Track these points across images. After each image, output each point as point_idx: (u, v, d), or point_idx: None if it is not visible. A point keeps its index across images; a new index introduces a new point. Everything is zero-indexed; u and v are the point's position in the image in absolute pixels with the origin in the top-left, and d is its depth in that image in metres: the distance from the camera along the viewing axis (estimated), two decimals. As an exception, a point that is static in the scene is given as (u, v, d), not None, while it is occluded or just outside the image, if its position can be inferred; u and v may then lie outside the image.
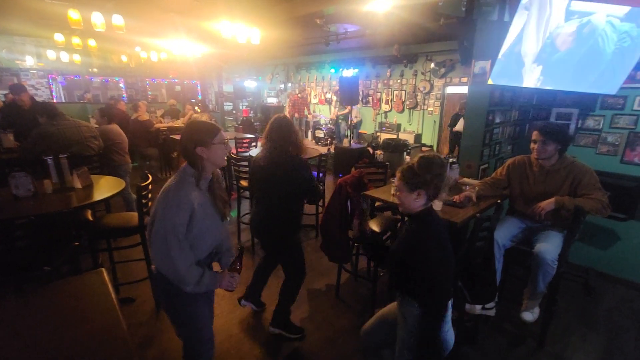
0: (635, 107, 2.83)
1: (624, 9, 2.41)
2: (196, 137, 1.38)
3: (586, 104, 3.05)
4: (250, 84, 12.65)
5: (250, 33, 5.08)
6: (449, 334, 1.43)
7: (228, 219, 1.61)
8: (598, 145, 3.06)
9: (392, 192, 2.43)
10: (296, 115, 9.64)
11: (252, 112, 12.19)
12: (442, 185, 1.38)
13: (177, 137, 5.36)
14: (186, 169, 1.40)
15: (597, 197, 2.14)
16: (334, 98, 9.45)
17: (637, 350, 2.27)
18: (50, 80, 9.75)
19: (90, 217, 2.71)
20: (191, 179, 1.38)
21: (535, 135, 2.29)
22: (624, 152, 2.94)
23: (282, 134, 2.03)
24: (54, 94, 9.84)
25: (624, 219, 2.78)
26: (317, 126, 9.31)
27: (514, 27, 2.48)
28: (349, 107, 8.58)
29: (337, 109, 9.12)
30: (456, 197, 2.33)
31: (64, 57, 7.78)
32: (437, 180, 1.36)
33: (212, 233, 1.49)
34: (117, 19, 4.19)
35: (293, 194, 2.10)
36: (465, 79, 7.23)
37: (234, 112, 12.15)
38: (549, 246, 2.16)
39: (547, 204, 2.19)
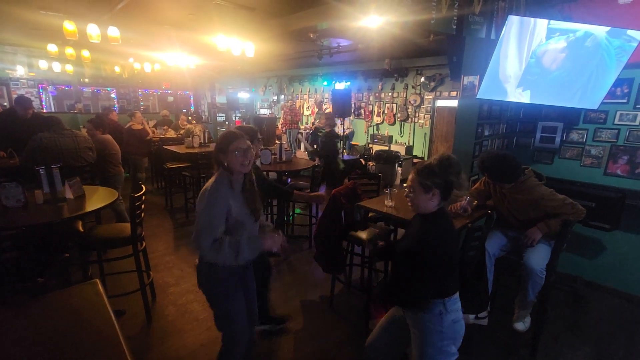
0: (617, 122, 2.95)
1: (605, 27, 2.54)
2: (218, 145, 1.58)
3: (570, 118, 3.18)
4: (243, 96, 12.71)
5: (244, 46, 5.16)
6: (462, 323, 1.46)
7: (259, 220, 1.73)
8: (582, 158, 3.17)
9: (387, 203, 2.48)
10: (285, 127, 9.64)
11: (244, 123, 12.21)
12: (456, 186, 1.40)
13: (170, 147, 5.36)
14: (222, 172, 1.58)
15: (569, 211, 2.19)
16: (316, 109, 9.39)
17: (627, 358, 2.31)
18: (41, 90, 9.65)
19: (80, 228, 2.68)
20: (226, 180, 1.57)
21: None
22: (606, 165, 3.05)
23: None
24: (43, 103, 9.73)
25: (609, 229, 2.86)
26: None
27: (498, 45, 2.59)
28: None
29: (317, 120, 8.96)
30: (451, 207, 2.38)
31: (56, 67, 7.74)
32: (455, 181, 1.38)
33: (248, 228, 1.62)
34: (113, 31, 4.21)
35: None
36: (454, 93, 7.42)
37: (227, 123, 12.16)
38: (538, 256, 2.21)
39: (535, 233, 2.24)
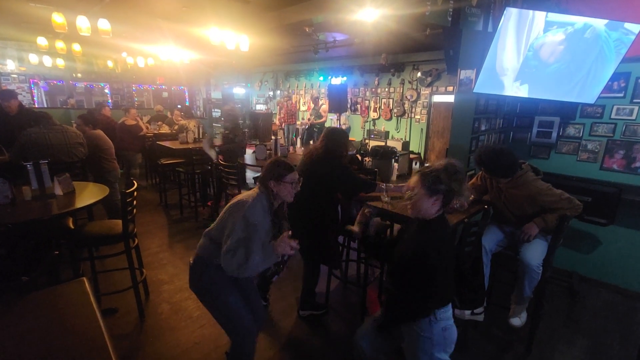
0: (613, 116, 2.94)
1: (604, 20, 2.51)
2: (271, 173, 1.62)
3: (567, 112, 3.16)
4: (239, 91, 12.61)
5: (239, 39, 5.07)
6: (452, 330, 1.44)
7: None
8: (579, 153, 3.15)
9: (383, 199, 2.44)
10: (285, 122, 9.67)
11: (240, 119, 12.12)
12: (457, 195, 1.38)
13: (164, 143, 5.29)
14: (262, 194, 1.63)
15: (566, 206, 2.17)
16: (312, 105, 9.43)
17: (622, 353, 2.31)
18: (32, 85, 9.49)
19: (71, 225, 2.62)
20: (264, 202, 1.61)
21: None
22: (603, 159, 3.04)
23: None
24: (35, 99, 9.58)
25: (605, 224, 2.86)
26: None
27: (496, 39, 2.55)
28: (325, 117, 8.68)
29: (313, 116, 8.97)
30: None
31: (47, 61, 7.59)
32: (457, 189, 1.36)
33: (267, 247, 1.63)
34: (103, 23, 4.12)
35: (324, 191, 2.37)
36: (451, 88, 7.39)
37: (222, 119, 12.07)
38: (534, 252, 2.20)
39: (531, 229, 2.22)
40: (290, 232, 1.59)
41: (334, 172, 2.35)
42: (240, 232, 1.50)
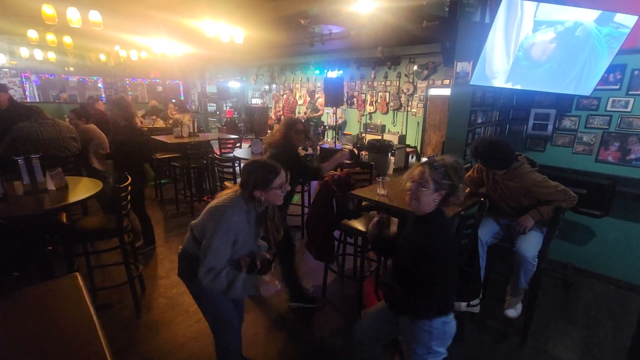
0: (609, 108, 2.94)
1: (595, 14, 2.49)
2: (254, 181, 1.45)
3: (563, 105, 3.16)
4: (234, 85, 12.50)
5: (233, 32, 5.00)
6: (452, 324, 1.44)
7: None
8: (574, 145, 3.16)
9: (379, 192, 2.44)
10: (282, 117, 9.63)
11: (236, 113, 12.04)
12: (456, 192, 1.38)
13: (158, 137, 5.23)
14: (242, 198, 1.48)
15: (561, 198, 2.18)
16: (308, 99, 9.39)
17: (615, 343, 2.34)
18: (24, 79, 9.33)
19: (65, 220, 2.59)
20: (244, 206, 1.47)
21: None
22: (598, 152, 3.05)
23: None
24: (27, 93, 9.42)
25: (600, 215, 2.88)
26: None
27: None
28: (322, 111, 8.66)
29: (309, 110, 8.93)
30: None
31: (38, 55, 7.45)
32: (458, 186, 1.36)
33: (249, 246, 1.58)
34: (94, 15, 4.03)
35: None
36: (447, 81, 7.37)
37: (218, 113, 11.97)
38: (530, 244, 2.21)
39: (527, 221, 2.23)
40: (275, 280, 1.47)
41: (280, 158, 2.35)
42: (218, 244, 1.39)
